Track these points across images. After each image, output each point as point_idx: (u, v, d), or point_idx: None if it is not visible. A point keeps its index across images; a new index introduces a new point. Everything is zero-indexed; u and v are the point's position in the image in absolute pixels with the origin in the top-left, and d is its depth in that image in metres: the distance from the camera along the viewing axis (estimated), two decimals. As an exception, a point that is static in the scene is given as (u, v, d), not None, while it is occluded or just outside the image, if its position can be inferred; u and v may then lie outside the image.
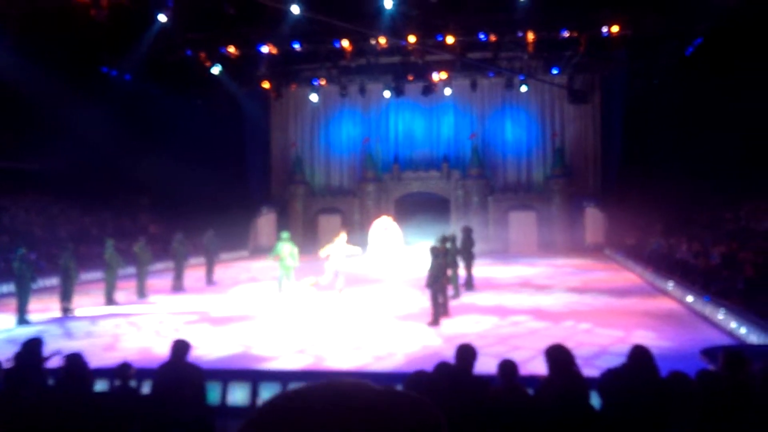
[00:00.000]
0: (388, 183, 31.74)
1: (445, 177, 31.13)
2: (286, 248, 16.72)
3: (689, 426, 3.78)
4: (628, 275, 20.27)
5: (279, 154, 34.35)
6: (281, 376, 9.28)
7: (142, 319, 13.84)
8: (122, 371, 5.94)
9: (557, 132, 31.47)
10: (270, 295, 17.00)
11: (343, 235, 15.87)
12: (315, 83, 30.95)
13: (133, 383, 6.10)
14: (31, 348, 5.88)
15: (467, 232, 17.06)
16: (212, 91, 30.33)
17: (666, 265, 18.06)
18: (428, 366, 5.38)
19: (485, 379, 5.34)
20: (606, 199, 29.27)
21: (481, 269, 19.86)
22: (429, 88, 29.61)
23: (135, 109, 27.73)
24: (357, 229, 30.93)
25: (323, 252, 15.91)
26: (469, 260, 16.84)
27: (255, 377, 9.25)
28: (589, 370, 7.05)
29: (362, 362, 9.85)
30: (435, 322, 12.44)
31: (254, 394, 8.97)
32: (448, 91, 30.66)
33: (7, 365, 5.68)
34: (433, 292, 12.60)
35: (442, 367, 5.08)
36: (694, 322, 12.63)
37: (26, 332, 11.59)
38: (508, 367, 5.25)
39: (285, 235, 17.03)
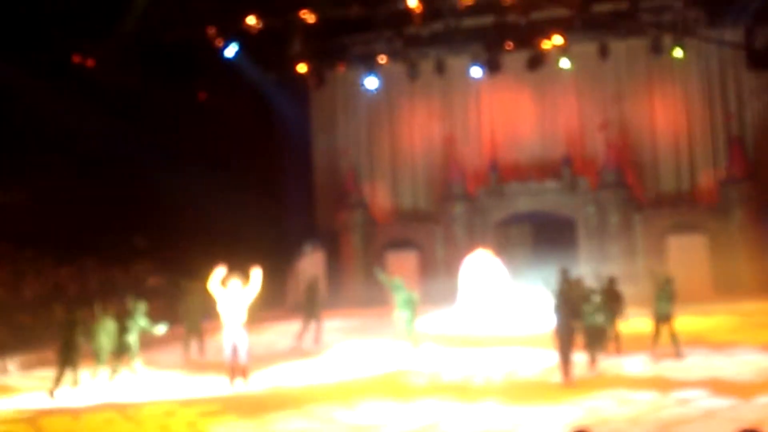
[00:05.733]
0: (483, 201, 31.76)
1: (567, 188, 30.76)
2: (404, 298, 19.41)
3: None
4: None
5: (325, 166, 34.48)
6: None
7: (141, 408, 14.27)
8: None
9: (733, 113, 30.78)
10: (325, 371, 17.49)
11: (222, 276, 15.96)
12: (372, 62, 31.40)
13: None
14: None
15: (610, 285, 17.76)
16: (226, 81, 30.80)
17: None
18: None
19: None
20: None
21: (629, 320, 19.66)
22: (537, 60, 29.41)
23: (120, 110, 28.35)
24: (440, 268, 30.93)
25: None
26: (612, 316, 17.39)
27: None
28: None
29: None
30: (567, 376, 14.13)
31: None
32: (565, 63, 30.22)
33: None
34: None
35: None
36: None
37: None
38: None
39: (398, 281, 19.76)
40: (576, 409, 12.34)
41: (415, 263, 31.52)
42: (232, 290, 15.80)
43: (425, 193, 33.88)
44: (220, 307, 15.86)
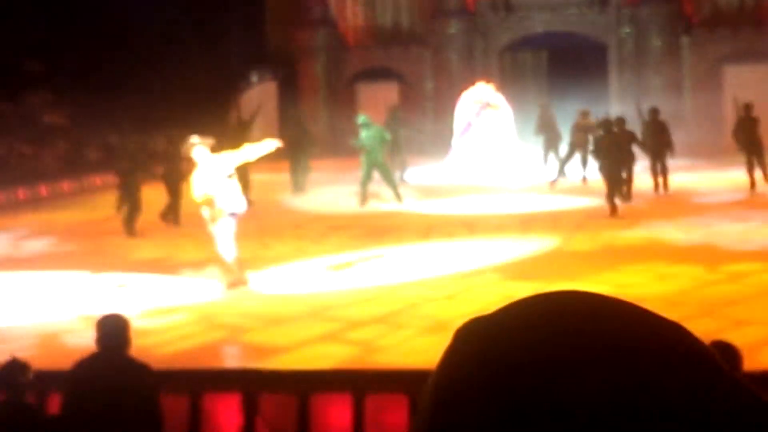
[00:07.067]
0: (487, 18, 31.28)
1: (596, 1, 30.47)
2: (373, 136, 19.64)
3: None
4: None
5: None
6: (298, 382, 9.42)
7: (43, 276, 14.41)
8: (9, 375, 6.11)
9: None
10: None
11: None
12: None
13: (28, 396, 6.27)
14: None
15: (653, 116, 18.87)
16: None
17: None
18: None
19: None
20: None
21: (671, 176, 20.56)
22: None
23: None
24: (429, 105, 30.71)
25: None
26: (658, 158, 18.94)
27: (250, 385, 9.39)
28: None
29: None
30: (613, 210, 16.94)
31: (250, 414, 9.14)
32: None
33: None
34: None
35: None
36: None
37: None
38: (721, 356, 5.18)
39: (362, 119, 19.93)
40: (601, 285, 12.16)
41: (395, 98, 31.23)
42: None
43: (410, 7, 33.40)
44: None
